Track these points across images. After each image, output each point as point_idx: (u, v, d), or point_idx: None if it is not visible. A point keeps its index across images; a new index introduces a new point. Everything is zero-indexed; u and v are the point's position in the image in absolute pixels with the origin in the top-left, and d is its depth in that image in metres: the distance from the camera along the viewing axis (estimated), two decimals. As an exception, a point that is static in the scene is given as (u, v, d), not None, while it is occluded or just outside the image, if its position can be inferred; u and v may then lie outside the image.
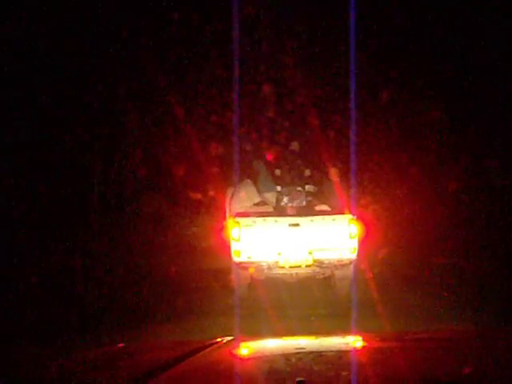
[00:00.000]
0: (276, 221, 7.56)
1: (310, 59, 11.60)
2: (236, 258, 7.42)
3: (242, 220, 7.53)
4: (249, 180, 8.27)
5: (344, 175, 8.30)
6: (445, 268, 8.57)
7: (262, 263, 7.42)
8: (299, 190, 8.02)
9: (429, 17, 10.69)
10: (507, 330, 3.45)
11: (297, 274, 7.60)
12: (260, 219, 7.56)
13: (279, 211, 7.89)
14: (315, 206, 8.04)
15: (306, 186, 8.14)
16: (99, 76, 10.55)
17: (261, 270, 7.50)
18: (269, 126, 10.13)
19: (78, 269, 8.65)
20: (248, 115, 10.85)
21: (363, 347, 2.61)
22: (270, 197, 8.02)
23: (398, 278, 8.48)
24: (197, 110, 11.39)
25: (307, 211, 7.83)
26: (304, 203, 7.98)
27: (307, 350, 2.44)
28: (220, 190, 8.95)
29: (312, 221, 7.55)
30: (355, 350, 2.57)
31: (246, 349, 2.65)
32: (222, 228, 8.25)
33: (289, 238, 7.45)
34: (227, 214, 8.24)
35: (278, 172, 8.30)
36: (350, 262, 7.52)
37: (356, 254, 7.46)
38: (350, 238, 7.43)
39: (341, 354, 2.44)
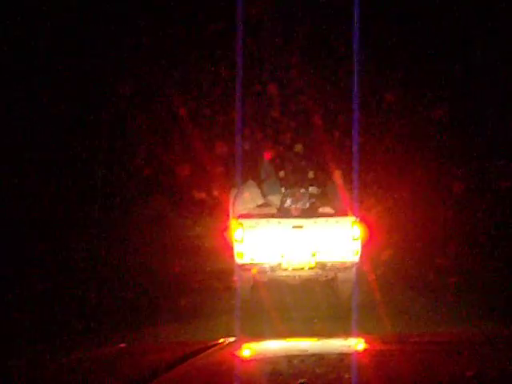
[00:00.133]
0: (279, 222, 7.55)
1: (313, 60, 11.59)
2: (239, 260, 7.41)
3: (245, 221, 7.51)
4: (252, 181, 8.26)
5: (347, 177, 8.28)
6: (448, 270, 8.54)
7: (265, 265, 7.40)
8: (302, 192, 8.00)
9: (433, 16, 10.67)
10: (511, 333, 3.44)
11: (300, 276, 7.58)
12: (263, 221, 7.54)
13: (282, 213, 7.87)
14: (318, 207, 8.02)
15: (310, 188, 8.12)
16: (103, 76, 10.58)
17: (263, 272, 7.49)
18: (272, 127, 10.13)
19: (80, 269, 8.66)
20: (252, 116, 10.86)
21: (365, 350, 2.60)
22: (275, 199, 8.01)
23: (401, 280, 8.46)
24: (201, 111, 11.40)
25: (310, 213, 7.82)
26: (307, 205, 7.96)
27: (309, 352, 2.43)
28: (223, 190, 8.95)
29: (315, 223, 7.53)
30: (357, 352, 2.56)
31: (248, 350, 2.64)
32: (225, 229, 8.25)
33: (292, 240, 7.44)
34: (230, 215, 8.24)
35: (281, 174, 8.29)
36: (353, 265, 7.50)
37: (359, 256, 7.44)
38: (353, 240, 7.41)
39: (343, 357, 2.43)
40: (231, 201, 8.33)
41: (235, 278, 7.70)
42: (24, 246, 8.81)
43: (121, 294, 7.72)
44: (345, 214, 7.65)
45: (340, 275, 7.69)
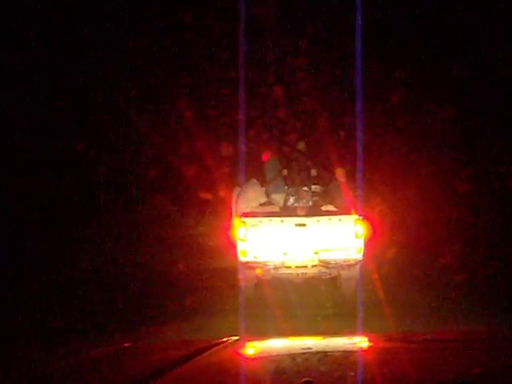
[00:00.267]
0: (282, 221, 7.55)
1: (318, 59, 11.57)
2: (242, 258, 7.42)
3: (248, 220, 7.53)
4: (255, 180, 8.26)
5: (351, 175, 8.28)
6: (452, 268, 8.52)
7: (268, 263, 7.41)
8: (305, 190, 8.00)
9: (442, 14, 10.62)
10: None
11: (303, 274, 7.59)
12: (266, 219, 7.55)
13: (285, 211, 7.87)
14: (322, 206, 8.02)
15: (313, 186, 8.11)
16: (108, 75, 10.60)
17: (267, 270, 7.49)
18: (275, 126, 10.12)
19: (84, 267, 8.68)
20: (255, 115, 10.86)
21: (369, 347, 2.60)
22: (279, 198, 8.01)
23: (404, 277, 8.45)
24: (205, 110, 11.40)
25: (314, 211, 7.81)
26: (310, 203, 7.96)
27: (313, 350, 2.43)
28: (226, 189, 8.95)
29: (318, 221, 7.54)
30: (361, 350, 2.56)
31: (252, 348, 2.64)
32: (229, 227, 8.25)
33: (295, 238, 7.44)
34: (233, 214, 8.24)
35: (284, 172, 8.29)
36: (356, 263, 7.50)
37: (362, 254, 7.44)
38: (356, 238, 7.41)
39: (347, 355, 2.43)
40: (234, 199, 8.34)
41: (239, 276, 7.71)
42: (28, 243, 8.84)
43: (125, 293, 7.74)
44: (348, 213, 7.65)
45: (343, 273, 7.69)
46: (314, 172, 8.32)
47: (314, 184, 8.16)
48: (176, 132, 11.46)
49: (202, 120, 11.16)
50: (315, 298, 7.80)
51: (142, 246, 10.27)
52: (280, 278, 7.70)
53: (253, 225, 7.44)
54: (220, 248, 9.01)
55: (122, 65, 10.74)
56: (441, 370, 2.01)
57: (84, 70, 10.22)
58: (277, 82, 11.34)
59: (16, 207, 9.24)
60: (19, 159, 9.46)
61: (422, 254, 9.58)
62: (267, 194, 8.10)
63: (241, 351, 2.56)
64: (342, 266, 7.51)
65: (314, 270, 7.54)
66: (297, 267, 7.45)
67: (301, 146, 8.62)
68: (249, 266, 7.47)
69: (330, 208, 7.96)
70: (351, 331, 5.16)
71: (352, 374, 1.97)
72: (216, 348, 2.43)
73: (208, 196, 10.57)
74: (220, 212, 10.14)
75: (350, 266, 7.52)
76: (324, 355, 2.32)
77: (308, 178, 8.18)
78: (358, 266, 7.57)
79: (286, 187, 8.06)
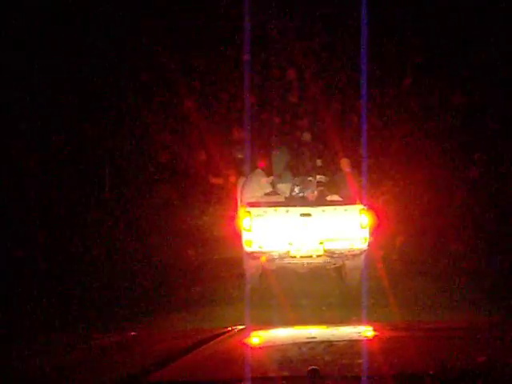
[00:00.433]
0: (287, 211, 7.54)
1: (323, 48, 11.51)
2: (247, 248, 7.42)
3: (254, 210, 7.52)
4: (260, 170, 8.25)
5: (356, 165, 8.25)
6: (458, 257, 8.50)
7: (273, 253, 7.41)
8: (310, 180, 7.99)
9: (450, 6, 10.52)
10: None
11: (308, 263, 7.59)
12: (271, 209, 7.54)
13: (291, 201, 7.87)
14: (327, 196, 8.01)
15: (318, 176, 8.09)
16: (112, 68, 10.60)
17: (272, 260, 7.50)
18: (281, 116, 10.09)
19: (89, 258, 8.71)
20: (260, 105, 10.82)
21: (374, 337, 2.61)
22: (285, 188, 8.00)
23: (410, 267, 8.43)
24: (210, 100, 11.38)
25: (319, 201, 7.80)
26: (315, 193, 7.95)
27: (318, 339, 2.44)
28: (232, 179, 8.95)
29: (323, 211, 7.53)
30: (366, 339, 2.56)
31: (257, 338, 2.65)
32: (234, 217, 8.26)
33: (300, 228, 7.44)
34: (238, 204, 8.24)
35: (291, 162, 8.27)
36: (361, 252, 7.49)
37: (367, 244, 7.43)
38: (362, 228, 7.40)
39: (352, 344, 2.44)
40: (239, 189, 8.33)
41: (244, 266, 7.73)
42: (34, 235, 8.88)
43: (131, 284, 7.77)
44: (353, 202, 7.64)
45: (348, 263, 7.69)
46: (319, 162, 8.30)
47: (319, 174, 8.14)
48: (181, 121, 11.45)
49: (209, 110, 11.14)
50: (320, 287, 7.81)
51: (146, 236, 10.28)
52: (285, 267, 7.71)
53: (258, 215, 7.44)
54: (225, 238, 9.02)
55: (128, 56, 10.75)
56: (446, 358, 2.01)
57: (85, 66, 10.24)
58: (281, 70, 11.29)
59: (20, 197, 9.28)
60: (19, 159, 9.50)
61: (428, 242, 9.56)
62: (273, 184, 8.10)
63: (246, 340, 2.57)
64: (346, 255, 7.50)
65: (319, 260, 7.54)
66: (302, 257, 7.45)
67: (306, 136, 8.59)
68: (254, 255, 7.47)
69: (336, 198, 7.95)
70: (356, 320, 5.17)
71: (357, 362, 1.97)
72: (221, 337, 2.44)
73: (213, 186, 10.56)
74: (225, 202, 10.14)
75: (354, 255, 7.51)
76: (329, 344, 2.33)
77: (313, 168, 8.16)
78: (362, 256, 7.57)
79: (292, 177, 8.06)
